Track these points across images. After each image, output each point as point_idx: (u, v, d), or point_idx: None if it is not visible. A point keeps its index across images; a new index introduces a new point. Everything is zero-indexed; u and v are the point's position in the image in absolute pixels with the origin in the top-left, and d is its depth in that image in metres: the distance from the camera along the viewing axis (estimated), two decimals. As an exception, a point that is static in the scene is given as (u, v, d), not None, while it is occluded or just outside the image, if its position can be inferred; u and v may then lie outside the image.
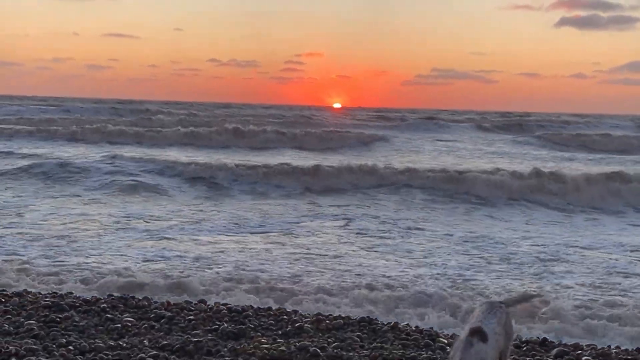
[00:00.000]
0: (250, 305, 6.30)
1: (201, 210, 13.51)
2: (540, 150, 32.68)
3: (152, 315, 5.82)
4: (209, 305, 6.25)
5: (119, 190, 15.70)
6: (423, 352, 5.08)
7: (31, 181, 16.62)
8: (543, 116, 67.63)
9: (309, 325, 5.66)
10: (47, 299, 6.18)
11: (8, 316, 5.64)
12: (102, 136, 29.44)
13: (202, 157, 22.34)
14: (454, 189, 16.92)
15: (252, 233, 11.23)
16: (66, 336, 5.15)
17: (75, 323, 5.50)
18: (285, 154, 26.09)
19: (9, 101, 62.77)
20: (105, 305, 6.03)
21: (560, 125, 51.63)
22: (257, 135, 30.95)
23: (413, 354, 5.01)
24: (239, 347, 5.05)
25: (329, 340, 5.34)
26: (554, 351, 5.30)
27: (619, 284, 8.63)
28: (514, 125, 49.13)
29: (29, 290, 6.84)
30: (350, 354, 4.97)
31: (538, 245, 10.89)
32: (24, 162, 19.03)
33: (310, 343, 5.18)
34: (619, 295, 8.02)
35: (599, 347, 5.59)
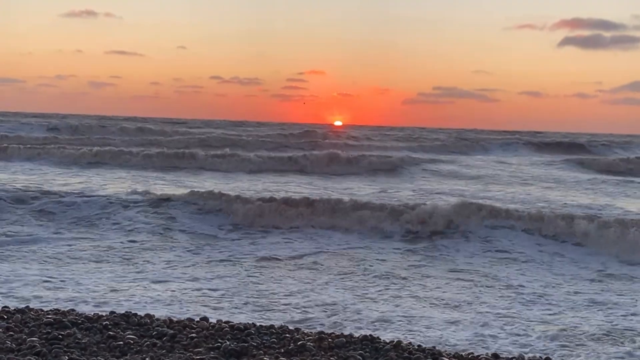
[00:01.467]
0: (253, 323, 6.29)
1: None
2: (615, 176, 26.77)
3: (154, 332, 5.81)
4: (211, 323, 6.24)
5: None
6: (426, 371, 5.08)
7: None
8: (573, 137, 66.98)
9: (312, 344, 5.66)
10: (49, 316, 6.17)
11: (10, 333, 5.64)
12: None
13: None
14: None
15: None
16: (68, 353, 5.15)
17: (77, 340, 5.49)
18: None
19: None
20: (107, 322, 6.02)
21: (599, 146, 50.00)
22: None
23: (416, 373, 5.00)
24: (241, 365, 5.04)
25: (331, 358, 5.33)
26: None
27: None
28: (552, 144, 46.30)
29: (31, 307, 6.84)
30: (353, 372, 4.96)
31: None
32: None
33: (312, 361, 5.17)
34: None
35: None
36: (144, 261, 9.78)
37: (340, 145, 39.13)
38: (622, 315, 7.71)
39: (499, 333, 6.85)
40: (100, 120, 61.95)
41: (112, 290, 8.04)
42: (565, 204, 17.11)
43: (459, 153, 39.78)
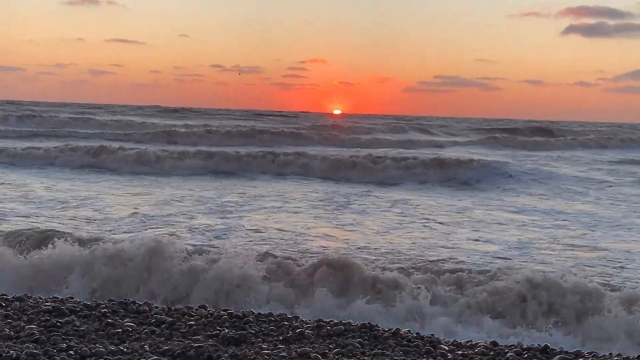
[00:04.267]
0: (251, 311, 6.30)
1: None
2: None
3: (153, 320, 5.82)
4: (209, 310, 6.25)
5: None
6: (424, 359, 5.08)
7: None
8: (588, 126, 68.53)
9: (310, 331, 5.66)
10: (47, 304, 6.17)
11: (9, 320, 5.64)
12: None
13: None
14: None
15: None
16: (67, 341, 5.15)
17: (76, 328, 5.49)
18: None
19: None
20: (105, 309, 6.02)
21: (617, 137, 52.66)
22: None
23: (414, 360, 5.00)
24: (239, 353, 5.05)
25: (330, 346, 5.33)
26: (556, 358, 5.29)
27: None
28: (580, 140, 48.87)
29: (30, 294, 6.84)
30: (352, 360, 4.97)
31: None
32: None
33: (311, 349, 5.17)
34: None
35: (600, 354, 5.59)
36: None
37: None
38: None
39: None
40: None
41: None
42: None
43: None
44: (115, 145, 26.89)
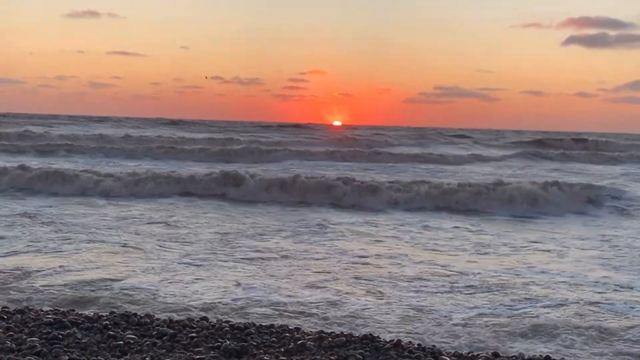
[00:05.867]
0: (253, 323, 6.30)
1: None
2: None
3: (155, 332, 5.82)
4: (211, 322, 6.25)
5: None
6: (426, 370, 5.08)
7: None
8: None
9: (312, 343, 5.66)
10: (49, 316, 6.18)
11: (10, 333, 5.64)
12: None
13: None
14: None
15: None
16: (68, 353, 5.15)
17: (77, 340, 5.49)
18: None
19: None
20: (107, 322, 6.03)
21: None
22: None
23: (416, 371, 5.00)
24: (241, 365, 5.05)
25: (331, 357, 5.33)
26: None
27: None
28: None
29: (31, 307, 6.84)
30: (353, 371, 4.96)
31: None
32: None
33: (313, 361, 5.17)
34: None
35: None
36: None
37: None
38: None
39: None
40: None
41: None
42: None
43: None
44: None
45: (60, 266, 9.05)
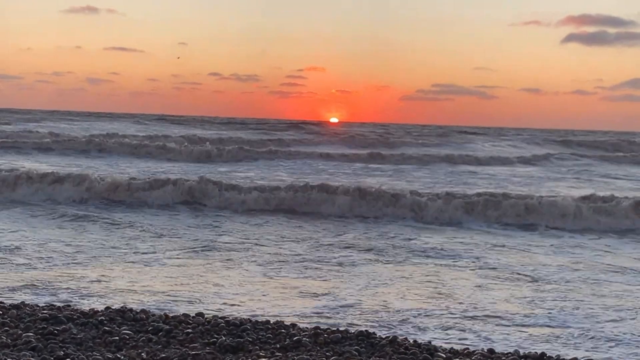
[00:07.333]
0: (249, 319, 6.30)
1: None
2: None
3: (150, 328, 5.81)
4: (207, 318, 6.24)
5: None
6: (421, 367, 5.08)
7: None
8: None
9: (307, 339, 5.66)
10: (44, 312, 6.17)
11: (6, 328, 5.63)
12: None
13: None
14: None
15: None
16: (64, 349, 5.15)
17: (73, 335, 5.49)
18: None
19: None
20: (103, 317, 6.02)
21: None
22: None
23: (411, 368, 5.00)
24: (237, 361, 5.05)
25: (327, 354, 5.34)
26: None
27: None
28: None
29: (27, 302, 6.83)
30: (349, 367, 4.97)
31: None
32: None
33: (308, 357, 5.18)
34: None
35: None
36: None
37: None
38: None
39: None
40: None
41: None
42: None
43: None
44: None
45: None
